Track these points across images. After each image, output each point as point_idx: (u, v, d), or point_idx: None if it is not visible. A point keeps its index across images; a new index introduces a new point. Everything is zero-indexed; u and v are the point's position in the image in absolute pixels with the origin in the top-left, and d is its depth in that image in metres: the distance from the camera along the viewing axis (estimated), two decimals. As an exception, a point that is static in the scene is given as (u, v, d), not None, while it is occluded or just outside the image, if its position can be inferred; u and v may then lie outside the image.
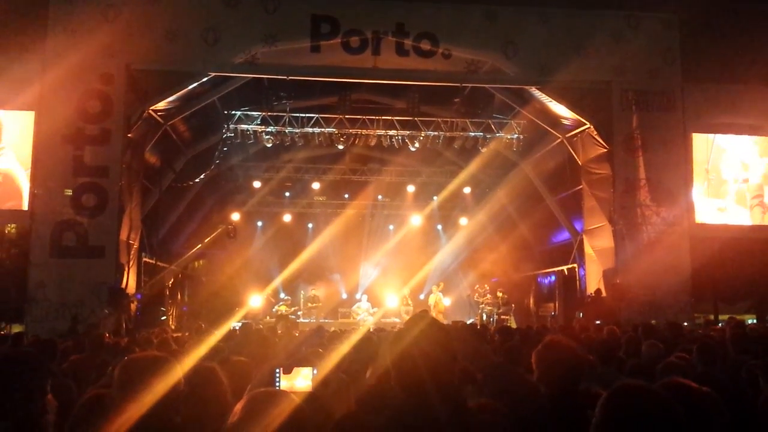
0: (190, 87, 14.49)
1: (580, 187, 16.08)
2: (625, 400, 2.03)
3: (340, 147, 17.25)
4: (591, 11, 15.10)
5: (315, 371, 3.58)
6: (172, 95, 14.47)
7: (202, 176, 18.31)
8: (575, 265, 16.61)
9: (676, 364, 4.51)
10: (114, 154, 13.81)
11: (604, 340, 7.47)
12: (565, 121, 15.76)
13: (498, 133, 16.95)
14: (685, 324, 12.76)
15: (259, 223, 22.15)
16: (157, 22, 13.96)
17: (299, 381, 3.58)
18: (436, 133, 16.77)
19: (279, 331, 12.21)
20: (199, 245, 16.58)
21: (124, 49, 13.83)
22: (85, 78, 13.76)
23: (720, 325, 12.57)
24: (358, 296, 21.18)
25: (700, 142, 15.75)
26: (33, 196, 13.74)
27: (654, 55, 15.11)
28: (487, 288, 19.09)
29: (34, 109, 14.00)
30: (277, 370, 3.72)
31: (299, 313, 19.65)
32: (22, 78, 13.73)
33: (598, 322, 10.66)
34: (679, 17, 15.18)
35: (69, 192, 13.61)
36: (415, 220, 21.30)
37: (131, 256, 14.32)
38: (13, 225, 14.76)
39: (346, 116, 16.45)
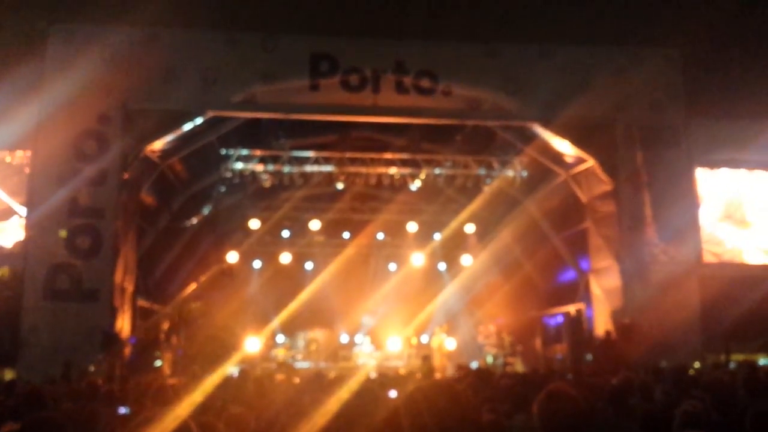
0: (188, 127, 14.31)
1: (586, 224, 15.81)
2: None
3: (340, 187, 17.02)
4: (592, 47, 15.07)
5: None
6: (169, 135, 14.29)
7: (198, 216, 18.04)
8: (582, 305, 16.22)
9: (693, 413, 4.45)
10: (110, 195, 13.62)
11: (615, 387, 7.20)
12: (569, 158, 15.54)
13: (500, 170, 16.75)
14: (696, 365, 12.41)
15: (257, 264, 21.74)
16: (154, 61, 13.88)
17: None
18: (438, 171, 16.58)
19: (278, 377, 11.84)
20: (195, 286, 16.23)
21: (121, 89, 13.72)
22: (82, 117, 13.63)
23: (731, 366, 12.23)
24: (359, 339, 20.67)
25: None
26: (27, 237, 13.48)
27: (657, 90, 14.98)
28: (492, 329, 18.64)
29: (30, 149, 13.86)
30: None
31: (298, 357, 19.17)
32: (19, 117, 13.60)
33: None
34: (681, 52, 15.11)
35: (64, 234, 13.35)
36: (417, 258, 20.89)
37: (125, 300, 13.97)
38: (5, 267, 14.47)
39: (346, 155, 16.26)
